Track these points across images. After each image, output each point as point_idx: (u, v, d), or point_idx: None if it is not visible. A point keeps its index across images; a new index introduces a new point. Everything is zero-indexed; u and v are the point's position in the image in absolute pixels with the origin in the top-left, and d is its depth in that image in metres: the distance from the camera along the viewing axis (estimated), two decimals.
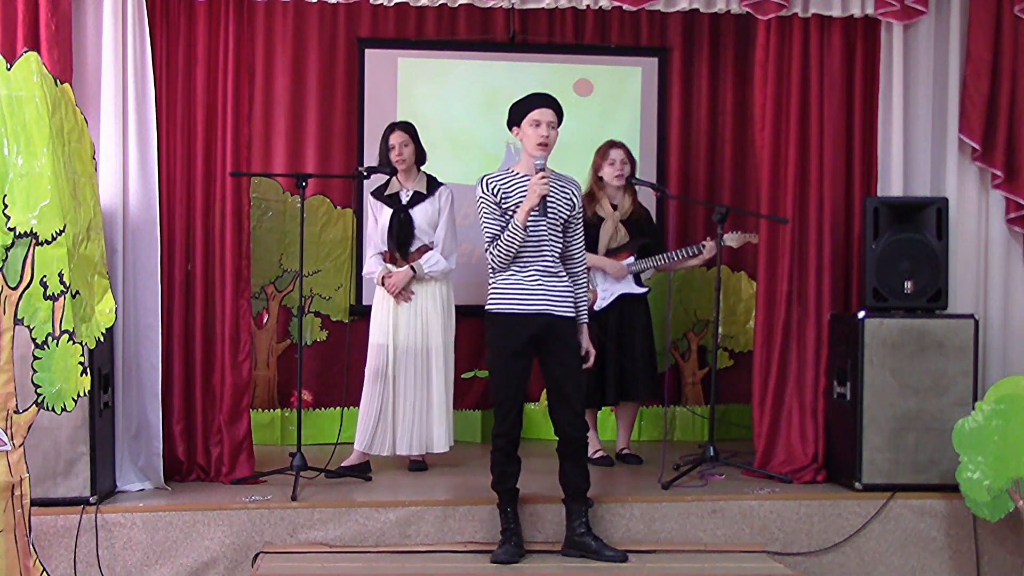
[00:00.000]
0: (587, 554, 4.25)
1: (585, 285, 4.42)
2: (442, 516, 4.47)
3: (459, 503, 4.51)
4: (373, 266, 5.31)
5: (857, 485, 4.80)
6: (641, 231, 5.61)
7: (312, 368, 6.22)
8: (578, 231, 4.35)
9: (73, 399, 3.58)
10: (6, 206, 3.48)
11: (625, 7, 5.05)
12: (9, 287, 3.49)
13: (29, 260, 3.50)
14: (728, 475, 5.12)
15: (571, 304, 4.27)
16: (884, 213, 4.93)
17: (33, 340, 3.52)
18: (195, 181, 4.93)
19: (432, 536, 4.45)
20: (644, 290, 5.59)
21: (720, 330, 6.16)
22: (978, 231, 5.18)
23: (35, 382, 3.53)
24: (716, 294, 5.27)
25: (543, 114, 4.19)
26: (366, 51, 6.34)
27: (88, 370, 3.65)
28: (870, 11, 5.04)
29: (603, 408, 5.80)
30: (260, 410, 6.11)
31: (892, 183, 5.10)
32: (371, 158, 5.92)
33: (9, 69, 3.53)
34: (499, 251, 4.16)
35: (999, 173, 5.12)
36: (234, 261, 4.95)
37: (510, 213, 4.17)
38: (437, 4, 5.07)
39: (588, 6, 5.13)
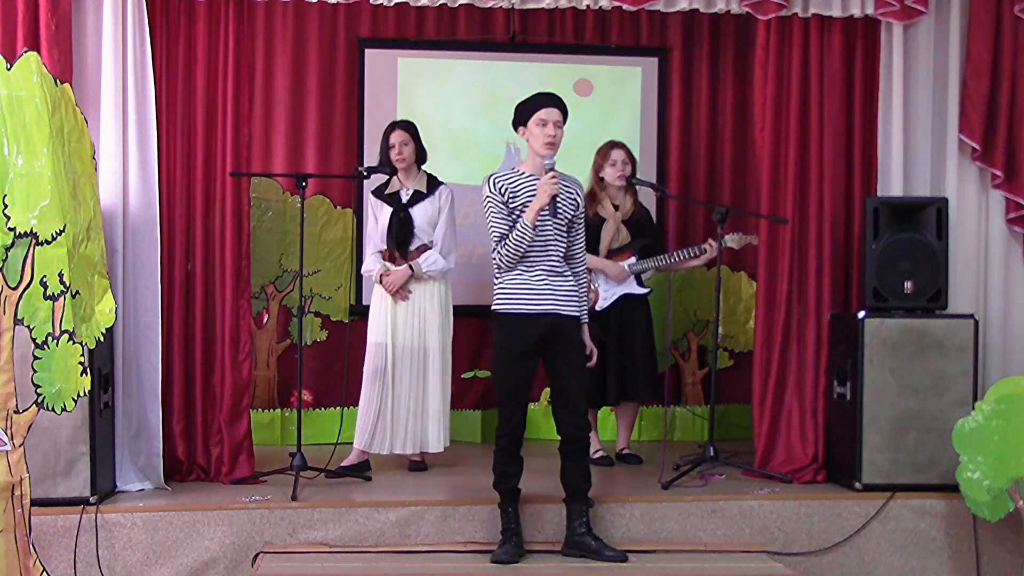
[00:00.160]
0: (587, 554, 4.25)
1: (585, 284, 4.43)
2: (442, 516, 4.47)
3: (459, 503, 4.51)
4: (372, 264, 5.31)
5: (857, 485, 4.80)
6: (642, 231, 5.61)
7: (312, 368, 6.23)
8: (580, 231, 4.35)
9: (73, 399, 3.58)
10: (6, 206, 3.48)
11: (625, 7, 5.05)
12: (9, 287, 3.49)
13: (29, 260, 3.50)
14: (728, 475, 5.12)
15: (577, 304, 4.28)
16: (884, 213, 4.93)
17: (33, 340, 3.52)
18: (195, 181, 4.93)
19: (432, 536, 4.45)
20: (646, 291, 5.59)
21: (720, 330, 6.16)
22: (978, 231, 5.18)
23: (35, 382, 3.53)
24: (716, 294, 5.27)
25: (549, 113, 4.19)
26: (366, 51, 6.34)
27: (88, 370, 3.64)
28: (870, 11, 5.04)
29: (603, 408, 5.81)
30: (260, 410, 6.11)
31: (892, 183, 5.10)
32: (371, 158, 5.92)
33: (9, 69, 3.53)
34: (507, 251, 4.16)
35: (999, 173, 5.12)
36: (234, 261, 4.95)
37: (517, 213, 4.17)
38: (437, 4, 5.07)
39: (588, 6, 5.13)
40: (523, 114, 4.24)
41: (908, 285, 4.90)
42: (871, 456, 4.79)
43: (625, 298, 5.53)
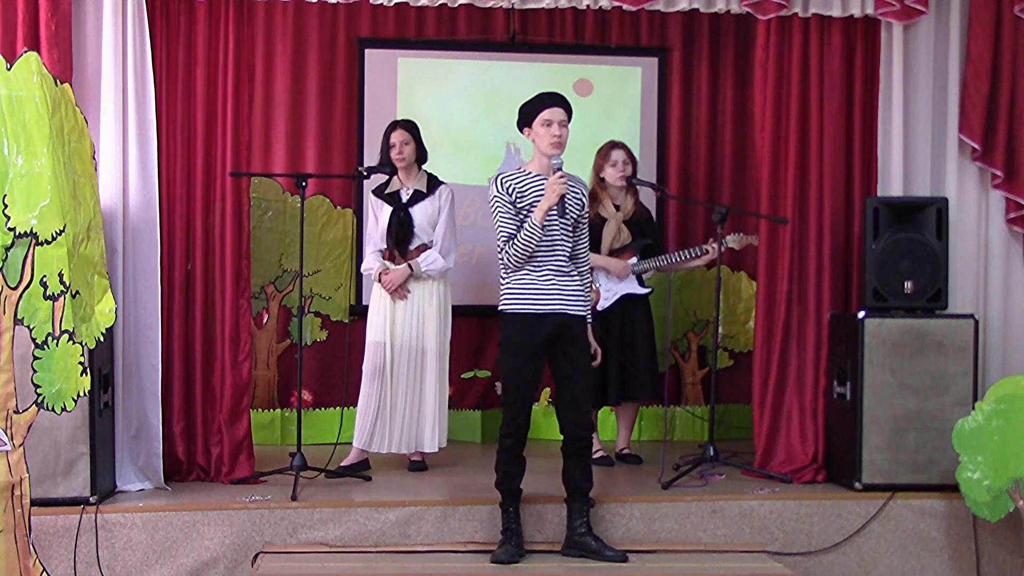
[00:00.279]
0: (587, 554, 4.25)
1: (589, 284, 4.43)
2: (442, 516, 4.47)
3: (459, 503, 4.51)
4: (371, 262, 5.31)
5: (857, 485, 4.80)
6: (643, 232, 5.61)
7: (312, 368, 6.23)
8: (584, 231, 4.36)
9: (73, 399, 3.58)
10: (6, 206, 3.49)
11: (625, 7, 5.05)
12: (9, 287, 3.49)
13: (29, 260, 3.50)
14: (728, 475, 5.12)
15: (583, 303, 4.28)
16: (884, 213, 4.93)
17: (33, 340, 3.52)
18: (195, 181, 4.93)
19: (432, 536, 4.45)
20: (647, 291, 5.59)
21: (720, 330, 6.16)
22: (978, 231, 5.18)
23: (35, 382, 3.53)
24: (716, 294, 5.27)
25: (554, 113, 4.19)
26: (366, 51, 6.34)
27: (88, 370, 3.65)
28: (870, 11, 5.04)
29: (603, 408, 5.81)
30: (260, 410, 6.11)
31: (892, 183, 5.10)
32: (371, 158, 5.93)
33: (9, 69, 3.53)
34: (515, 251, 4.16)
35: (999, 173, 5.12)
36: (234, 261, 4.95)
37: (524, 212, 4.18)
38: (437, 4, 5.07)
39: (588, 6, 5.13)
40: (527, 115, 4.24)
41: (908, 285, 4.90)
42: (871, 456, 4.79)
43: (626, 298, 5.53)
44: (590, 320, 4.35)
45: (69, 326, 3.54)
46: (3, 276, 3.48)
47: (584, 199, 4.32)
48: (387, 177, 5.34)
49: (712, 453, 5.04)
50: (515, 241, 4.15)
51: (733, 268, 6.57)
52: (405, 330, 5.23)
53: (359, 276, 6.02)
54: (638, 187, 5.62)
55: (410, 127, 5.33)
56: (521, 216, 4.18)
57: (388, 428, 5.21)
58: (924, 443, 4.78)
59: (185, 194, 4.93)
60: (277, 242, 6.25)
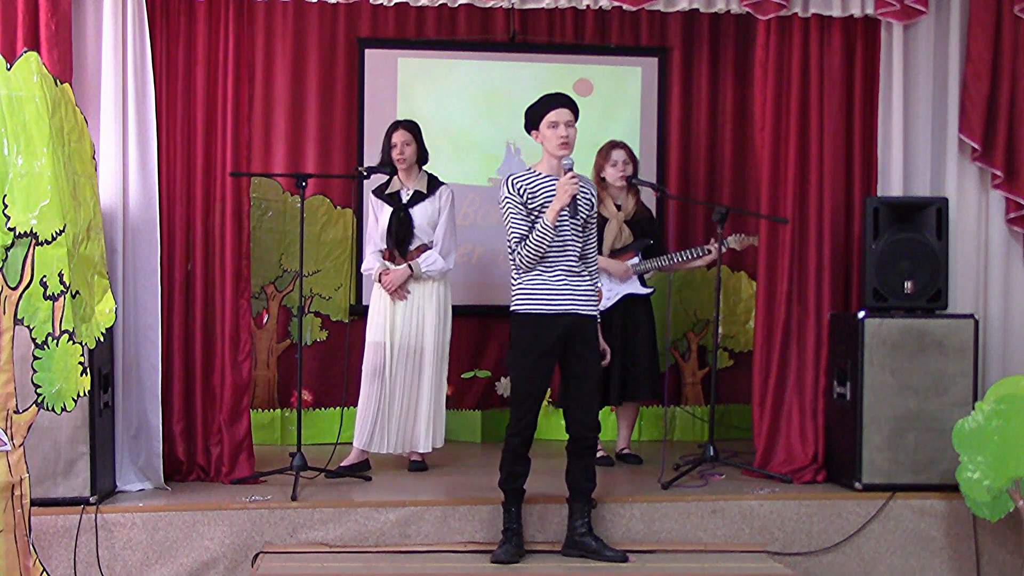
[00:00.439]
0: (587, 554, 4.25)
1: (597, 284, 4.44)
2: (442, 516, 4.47)
3: (459, 503, 4.51)
4: (372, 262, 5.31)
5: (857, 485, 4.80)
6: (645, 232, 5.61)
7: (312, 368, 6.23)
8: (593, 231, 4.37)
9: (73, 399, 3.58)
10: (6, 206, 3.48)
11: (625, 7, 5.05)
12: (9, 287, 3.49)
13: (29, 260, 3.50)
14: (728, 475, 5.12)
15: (594, 303, 4.29)
16: (884, 213, 4.93)
17: (33, 340, 3.52)
18: (195, 181, 4.93)
19: (432, 536, 4.45)
20: (649, 291, 5.59)
21: (720, 330, 6.16)
22: (978, 231, 5.18)
23: (35, 382, 3.53)
24: (716, 294, 5.27)
25: (560, 114, 4.21)
26: (366, 51, 6.34)
27: (88, 370, 3.65)
28: (870, 11, 5.04)
29: (604, 408, 5.80)
30: (260, 410, 6.11)
31: (892, 183, 5.10)
32: (371, 158, 5.93)
33: (9, 69, 3.53)
34: (527, 251, 4.16)
35: (999, 173, 5.12)
36: (234, 261, 4.95)
37: (536, 213, 4.18)
38: (437, 4, 5.07)
39: (588, 6, 5.13)
40: (533, 118, 4.26)
41: (908, 285, 4.90)
42: (871, 456, 4.79)
43: (628, 298, 5.53)
44: (600, 320, 4.36)
45: (69, 326, 3.54)
46: (3, 276, 3.48)
47: (594, 199, 4.34)
48: (387, 177, 5.34)
49: (712, 453, 5.05)
50: (527, 242, 4.16)
51: (733, 268, 6.57)
52: (405, 330, 5.23)
53: (359, 276, 6.02)
54: (639, 187, 5.62)
55: (412, 128, 5.33)
56: (532, 217, 4.18)
57: (387, 428, 5.21)
58: (924, 443, 4.78)
59: (185, 194, 4.93)
60: (277, 242, 6.25)
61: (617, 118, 6.46)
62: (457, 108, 6.41)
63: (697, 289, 6.58)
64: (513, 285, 4.27)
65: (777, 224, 5.16)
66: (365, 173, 5.40)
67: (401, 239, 5.24)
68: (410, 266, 5.22)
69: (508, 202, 4.22)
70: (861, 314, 4.84)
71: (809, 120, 5.16)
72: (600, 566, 4.19)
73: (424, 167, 5.38)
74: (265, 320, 6.26)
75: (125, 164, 4.75)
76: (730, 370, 6.57)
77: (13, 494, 3.54)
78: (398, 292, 5.22)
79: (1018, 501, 4.38)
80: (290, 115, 6.32)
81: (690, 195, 6.58)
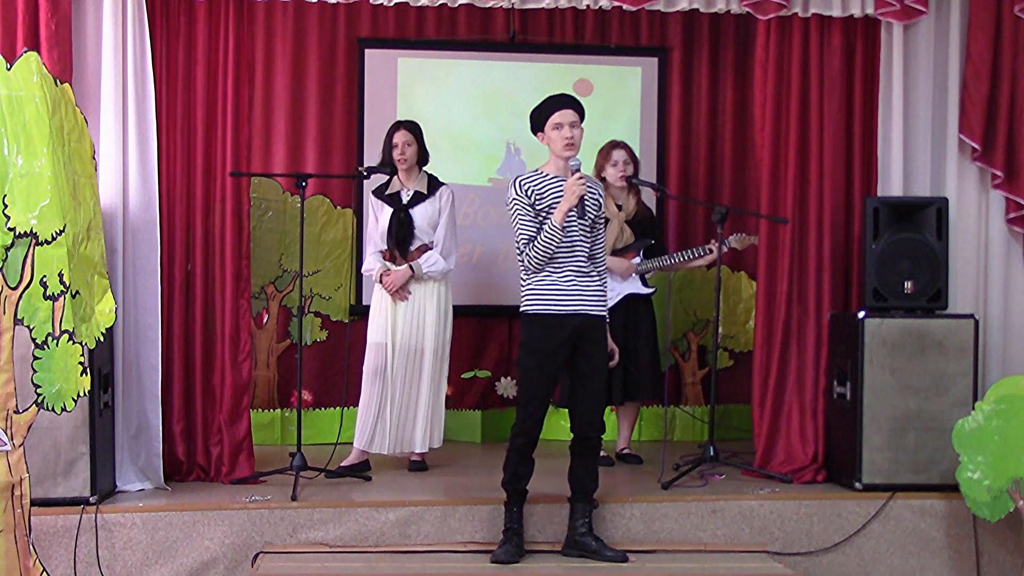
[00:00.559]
0: (587, 554, 4.25)
1: (606, 284, 4.44)
2: (442, 516, 4.47)
3: (459, 503, 4.51)
4: (372, 263, 5.31)
5: (857, 485, 4.80)
6: (646, 232, 5.61)
7: (312, 368, 6.23)
8: (601, 231, 4.37)
9: (73, 399, 3.58)
10: (6, 206, 3.49)
11: (625, 7, 5.05)
12: (9, 287, 3.49)
13: (29, 260, 3.50)
14: (728, 475, 5.12)
15: (603, 304, 4.29)
16: (884, 213, 4.93)
17: (33, 340, 3.52)
18: (195, 181, 4.93)
19: (432, 536, 4.45)
20: (650, 291, 5.59)
21: (720, 330, 6.16)
22: (978, 231, 5.18)
23: (35, 382, 3.53)
24: (716, 294, 5.27)
25: (564, 116, 4.21)
26: (366, 51, 6.34)
27: (88, 370, 3.65)
28: (870, 11, 5.04)
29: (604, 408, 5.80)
30: (260, 410, 6.11)
31: (892, 183, 5.10)
32: (371, 158, 5.93)
33: (9, 69, 3.53)
34: (536, 252, 4.16)
35: (999, 173, 5.12)
36: (234, 261, 4.95)
37: (544, 214, 4.18)
38: (437, 4, 5.07)
39: (588, 6, 5.13)
40: (538, 120, 4.27)
41: (908, 285, 4.90)
42: (871, 456, 4.79)
43: (629, 298, 5.53)
44: (608, 320, 4.36)
45: (69, 326, 3.54)
46: (3, 276, 3.48)
47: (601, 199, 4.33)
48: (387, 177, 5.33)
49: (712, 453, 5.04)
50: (535, 243, 4.16)
51: (733, 268, 6.57)
52: (407, 331, 5.22)
53: (359, 276, 6.02)
54: (639, 187, 5.62)
55: (413, 128, 5.32)
56: (540, 218, 4.18)
57: (386, 428, 5.21)
58: (924, 443, 4.78)
59: (185, 194, 4.93)
60: (277, 242, 6.25)
61: (617, 118, 6.46)
62: (457, 108, 6.41)
63: (697, 289, 6.58)
64: (522, 286, 4.27)
65: (777, 224, 5.16)
66: (365, 173, 5.40)
67: (401, 240, 5.24)
68: (411, 267, 5.22)
69: (516, 203, 4.22)
70: (861, 314, 4.84)
71: (809, 120, 5.16)
72: (600, 566, 4.19)
73: (424, 167, 5.38)
74: (265, 320, 6.26)
75: (125, 164, 4.75)
76: (730, 370, 6.57)
77: (13, 494, 3.54)
78: (399, 293, 5.22)
79: (1018, 501, 4.38)
80: (290, 115, 6.32)
81: (690, 195, 6.58)
